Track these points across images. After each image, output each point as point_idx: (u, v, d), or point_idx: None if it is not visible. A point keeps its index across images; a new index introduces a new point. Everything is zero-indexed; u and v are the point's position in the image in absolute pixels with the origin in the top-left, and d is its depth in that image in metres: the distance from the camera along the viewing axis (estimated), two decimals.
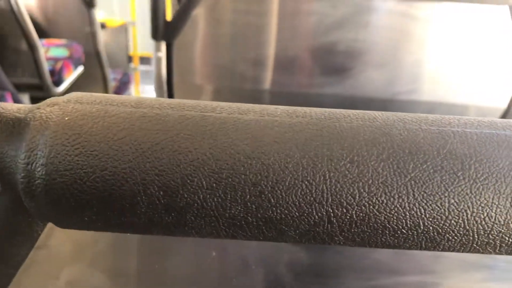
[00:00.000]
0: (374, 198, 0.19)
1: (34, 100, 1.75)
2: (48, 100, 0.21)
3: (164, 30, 1.00)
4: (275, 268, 0.48)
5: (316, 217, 0.19)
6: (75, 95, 0.21)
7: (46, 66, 1.69)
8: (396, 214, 0.19)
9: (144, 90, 2.94)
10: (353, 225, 0.19)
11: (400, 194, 0.19)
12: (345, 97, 1.12)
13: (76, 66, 1.95)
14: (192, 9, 1.00)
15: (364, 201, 0.19)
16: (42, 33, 2.00)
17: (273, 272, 0.47)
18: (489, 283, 0.49)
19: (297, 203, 0.19)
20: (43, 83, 1.69)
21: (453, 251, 0.21)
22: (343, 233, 0.20)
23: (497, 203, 0.19)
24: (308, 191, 0.19)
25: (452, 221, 0.19)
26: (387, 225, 0.19)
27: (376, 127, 0.20)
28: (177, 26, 1.01)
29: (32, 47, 1.61)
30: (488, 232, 0.19)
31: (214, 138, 0.19)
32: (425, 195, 0.19)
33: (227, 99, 1.17)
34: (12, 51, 1.69)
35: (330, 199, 0.19)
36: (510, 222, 0.19)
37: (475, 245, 0.20)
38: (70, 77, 1.88)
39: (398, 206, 0.19)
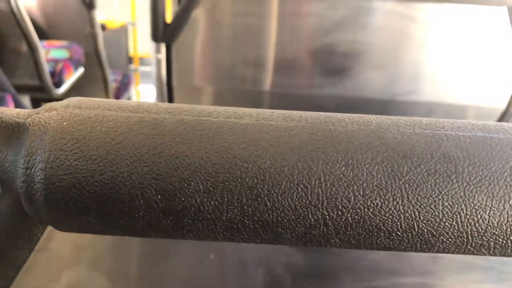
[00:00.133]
0: (369, 201, 0.19)
1: (34, 101, 1.75)
2: (46, 105, 0.21)
3: (163, 32, 1.01)
4: (273, 270, 0.48)
5: (312, 220, 0.19)
6: (74, 100, 0.21)
7: (46, 68, 1.70)
8: (390, 216, 0.19)
9: (144, 91, 2.94)
10: (349, 228, 0.20)
11: (394, 197, 0.19)
12: (345, 98, 1.12)
13: (76, 68, 1.95)
14: (191, 11, 1.00)
15: (359, 204, 0.19)
16: (43, 35, 2.00)
17: (271, 274, 0.48)
18: (486, 284, 0.49)
19: (293, 206, 0.19)
20: (43, 84, 1.69)
21: (447, 252, 0.21)
22: (339, 236, 0.20)
23: (490, 205, 0.19)
24: (303, 194, 0.19)
25: (446, 223, 0.19)
26: (382, 227, 0.20)
27: (371, 131, 0.20)
28: (177, 28, 1.01)
29: (33, 49, 1.61)
30: (482, 234, 0.20)
31: (211, 142, 0.19)
32: (419, 197, 0.19)
33: (226, 100, 1.17)
34: (12, 53, 1.70)
35: (325, 202, 0.19)
36: (503, 224, 0.19)
37: (469, 247, 0.20)
38: (70, 79, 1.89)
39: (392, 208, 0.19)
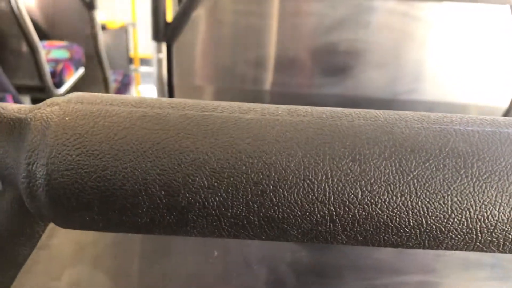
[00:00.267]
0: (377, 197, 0.19)
1: (35, 102, 1.75)
2: (48, 100, 0.21)
3: (164, 31, 1.00)
4: (277, 267, 0.48)
5: (318, 216, 0.19)
6: (76, 95, 0.21)
7: (47, 68, 1.70)
8: (398, 212, 0.19)
9: (144, 91, 2.94)
10: (356, 224, 0.19)
11: (402, 193, 0.19)
12: (346, 97, 1.12)
13: (77, 68, 1.95)
14: (192, 10, 1.00)
15: (366, 200, 0.19)
16: (43, 35, 2.00)
17: (275, 271, 0.47)
18: (491, 282, 0.49)
19: (299, 202, 0.19)
20: (44, 85, 1.69)
21: (456, 249, 0.21)
22: (346, 232, 0.20)
23: (500, 201, 0.19)
24: (310, 190, 0.19)
25: (455, 220, 0.19)
26: (390, 223, 0.19)
27: (378, 126, 0.20)
28: (178, 27, 1.01)
29: (33, 49, 1.61)
30: (492, 230, 0.19)
31: (215, 137, 0.19)
32: (427, 193, 0.19)
33: (227, 100, 1.16)
34: (13, 53, 1.70)
35: (332, 198, 0.19)
36: None
37: (478, 244, 0.20)
38: (71, 79, 1.88)
39: (400, 204, 0.19)
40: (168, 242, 0.50)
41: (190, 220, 0.19)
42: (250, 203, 0.19)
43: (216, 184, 0.19)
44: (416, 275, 0.49)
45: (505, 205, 0.19)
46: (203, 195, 0.19)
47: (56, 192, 0.19)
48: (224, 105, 0.21)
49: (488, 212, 0.19)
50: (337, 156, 0.19)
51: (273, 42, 1.09)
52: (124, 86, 2.36)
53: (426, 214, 0.19)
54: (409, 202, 0.19)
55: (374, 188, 0.19)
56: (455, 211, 0.19)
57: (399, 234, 0.20)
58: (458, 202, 0.19)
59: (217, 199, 0.19)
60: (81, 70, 1.99)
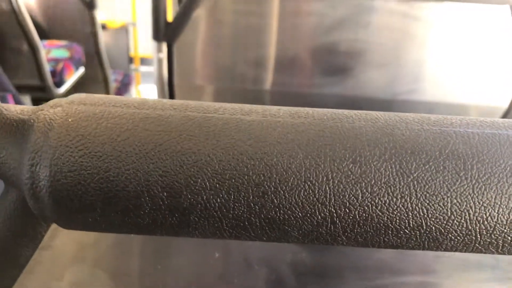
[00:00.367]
0: (377, 199, 0.19)
1: (35, 101, 1.75)
2: (51, 102, 0.21)
3: (165, 31, 1.01)
4: (277, 268, 0.48)
5: (319, 217, 0.19)
6: (78, 97, 0.21)
7: (47, 68, 1.70)
8: (399, 214, 0.19)
9: (144, 91, 2.94)
10: (356, 225, 0.19)
11: (402, 194, 0.19)
12: (346, 97, 1.12)
13: (77, 67, 1.95)
14: (192, 10, 1.00)
15: (367, 202, 0.19)
16: (43, 35, 2.00)
17: (276, 272, 0.47)
18: (491, 283, 0.49)
19: (300, 204, 0.19)
20: (44, 84, 1.69)
21: (455, 251, 0.21)
22: (346, 234, 0.20)
23: (499, 203, 0.19)
24: (311, 191, 0.19)
25: (455, 221, 0.19)
26: (390, 225, 0.19)
27: (378, 128, 0.20)
28: (178, 27, 1.01)
29: (34, 49, 1.61)
30: (491, 232, 0.19)
31: (217, 139, 0.19)
32: (427, 195, 0.19)
33: (228, 99, 1.17)
34: (13, 53, 1.70)
35: (333, 200, 0.19)
36: None
37: (477, 245, 0.20)
38: (71, 78, 1.88)
39: (401, 206, 0.19)
40: (170, 242, 0.50)
41: (192, 222, 0.20)
42: (252, 204, 0.19)
43: (218, 185, 0.19)
44: (416, 275, 0.49)
45: (504, 207, 0.19)
46: (205, 197, 0.19)
47: (59, 193, 0.19)
48: (226, 106, 0.21)
49: (488, 214, 0.19)
50: (338, 158, 0.19)
51: (273, 42, 1.09)
52: (124, 86, 2.36)
53: (426, 216, 0.19)
54: (409, 204, 0.19)
55: (375, 189, 0.19)
56: (454, 213, 0.19)
57: (399, 235, 0.20)
58: (457, 204, 0.19)
59: (218, 200, 0.19)
60: (81, 70, 1.99)
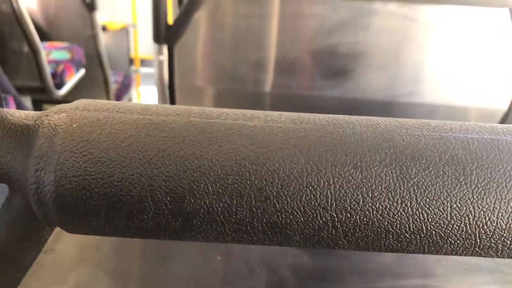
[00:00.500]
0: (378, 203, 0.19)
1: (36, 102, 1.76)
2: (55, 108, 0.21)
3: (165, 34, 1.01)
4: (279, 271, 0.48)
5: (321, 221, 0.19)
6: (82, 102, 0.21)
7: (48, 69, 1.70)
8: (399, 218, 0.19)
9: (145, 92, 2.95)
10: (357, 230, 0.20)
11: (403, 199, 0.19)
12: (346, 99, 1.12)
13: (77, 69, 1.95)
14: (193, 13, 1.01)
15: (367, 206, 0.19)
16: (44, 36, 2.00)
17: (277, 275, 0.48)
18: (490, 286, 0.49)
19: (301, 208, 0.19)
20: (45, 86, 1.69)
21: (455, 254, 0.21)
22: (347, 238, 0.20)
23: (498, 207, 0.19)
24: (312, 196, 0.19)
25: (455, 226, 0.19)
26: (391, 229, 0.20)
27: (379, 133, 0.20)
28: (179, 30, 1.01)
29: (34, 50, 1.61)
30: (490, 236, 0.20)
31: (220, 145, 0.19)
32: (427, 200, 0.19)
33: (228, 101, 1.17)
34: (14, 54, 1.70)
35: (334, 204, 0.19)
36: (511, 226, 0.19)
37: (477, 249, 0.20)
38: (71, 80, 1.89)
39: (401, 211, 0.19)
40: (172, 245, 0.50)
41: (195, 226, 0.20)
42: (254, 209, 0.19)
43: (220, 190, 0.19)
44: (417, 279, 0.49)
45: (503, 211, 0.19)
46: (207, 201, 0.19)
47: (63, 198, 0.19)
48: (228, 112, 0.21)
49: (487, 218, 0.19)
50: (339, 163, 0.19)
51: (273, 44, 1.09)
52: (124, 87, 2.36)
53: (426, 220, 0.19)
54: (410, 209, 0.19)
55: (375, 194, 0.19)
56: (454, 217, 0.19)
57: (400, 239, 0.20)
58: (457, 209, 0.19)
59: (221, 205, 0.19)
60: (81, 71, 1.99)
